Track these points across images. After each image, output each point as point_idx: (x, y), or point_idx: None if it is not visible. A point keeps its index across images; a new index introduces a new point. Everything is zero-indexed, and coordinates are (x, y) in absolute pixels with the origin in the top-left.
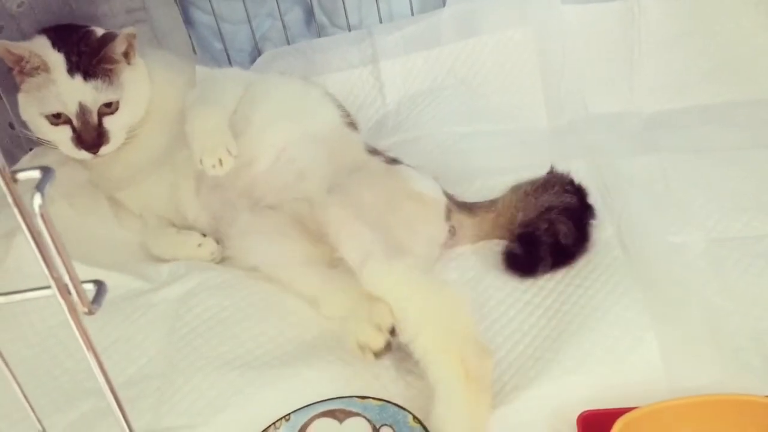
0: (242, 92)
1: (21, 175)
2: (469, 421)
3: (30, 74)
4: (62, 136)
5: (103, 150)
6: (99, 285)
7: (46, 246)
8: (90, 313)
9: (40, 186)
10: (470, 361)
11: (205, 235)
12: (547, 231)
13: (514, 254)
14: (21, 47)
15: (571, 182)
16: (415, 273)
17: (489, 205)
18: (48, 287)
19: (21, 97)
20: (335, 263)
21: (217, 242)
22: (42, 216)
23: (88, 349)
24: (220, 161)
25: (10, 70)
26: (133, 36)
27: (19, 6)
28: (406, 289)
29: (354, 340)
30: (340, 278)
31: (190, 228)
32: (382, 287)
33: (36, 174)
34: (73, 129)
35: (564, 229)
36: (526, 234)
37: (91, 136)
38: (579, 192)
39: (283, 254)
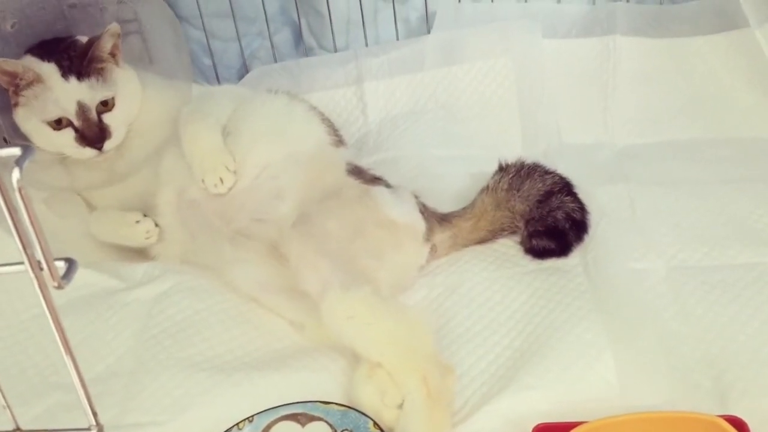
0: (233, 108)
1: (0, 152)
2: None
3: (25, 89)
4: (66, 139)
5: (107, 145)
6: (70, 262)
7: (22, 222)
8: (60, 287)
9: (19, 161)
10: (432, 380)
11: (145, 215)
12: (563, 215)
13: (549, 249)
14: (13, 63)
15: (538, 164)
16: (374, 300)
17: (464, 212)
18: (21, 263)
19: (20, 112)
20: None
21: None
22: (20, 191)
23: (55, 326)
24: (221, 180)
25: (5, 90)
26: (117, 35)
27: (12, 26)
28: (365, 318)
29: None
30: None
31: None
32: (341, 318)
33: (16, 152)
34: (75, 129)
35: (572, 206)
36: (550, 227)
37: (93, 132)
38: (551, 172)
39: (265, 281)
